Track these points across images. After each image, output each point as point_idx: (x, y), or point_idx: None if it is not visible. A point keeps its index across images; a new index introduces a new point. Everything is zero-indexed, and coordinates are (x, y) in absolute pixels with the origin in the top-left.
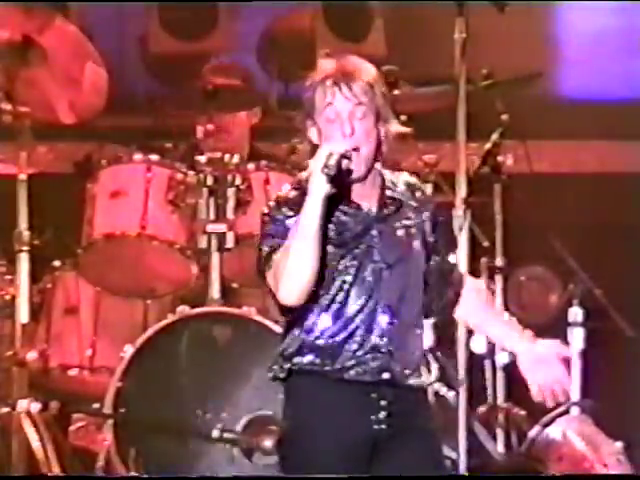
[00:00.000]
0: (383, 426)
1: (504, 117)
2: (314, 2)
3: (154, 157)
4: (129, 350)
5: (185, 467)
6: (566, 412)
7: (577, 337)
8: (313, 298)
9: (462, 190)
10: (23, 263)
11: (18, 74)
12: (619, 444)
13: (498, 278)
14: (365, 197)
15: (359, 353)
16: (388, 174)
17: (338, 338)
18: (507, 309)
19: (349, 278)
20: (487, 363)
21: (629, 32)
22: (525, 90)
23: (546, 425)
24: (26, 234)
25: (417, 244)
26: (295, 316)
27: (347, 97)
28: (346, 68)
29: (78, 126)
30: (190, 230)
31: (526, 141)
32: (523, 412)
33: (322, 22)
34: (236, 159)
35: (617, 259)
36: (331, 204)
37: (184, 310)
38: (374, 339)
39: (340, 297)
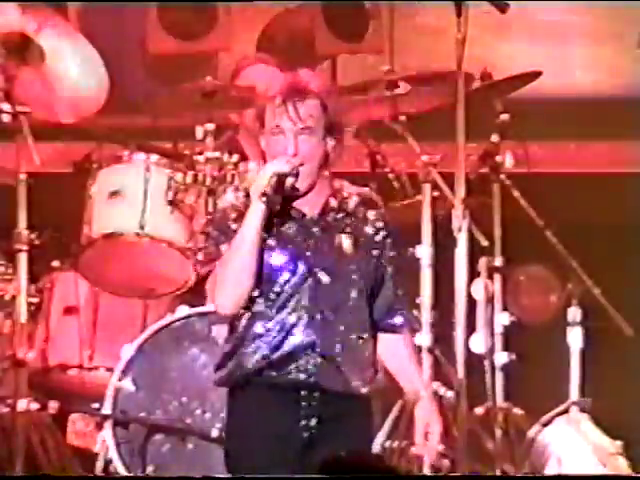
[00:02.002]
0: (313, 431)
1: (504, 117)
2: (313, 2)
3: (153, 157)
4: (128, 350)
5: (185, 467)
6: (565, 411)
7: (576, 336)
8: (252, 303)
9: (461, 190)
10: (22, 263)
11: (17, 74)
12: (619, 443)
13: (497, 278)
14: (308, 203)
15: (293, 359)
16: (345, 184)
17: (274, 343)
18: (506, 309)
19: (287, 283)
20: (486, 363)
21: (628, 31)
22: (525, 90)
23: (545, 425)
24: (25, 234)
25: (358, 251)
26: (235, 321)
27: (294, 119)
28: (297, 86)
29: (78, 126)
30: (189, 230)
31: (525, 141)
32: (522, 412)
33: (321, 22)
34: (235, 158)
35: (616, 259)
36: (274, 211)
37: (184, 310)
38: (309, 344)
39: (278, 302)
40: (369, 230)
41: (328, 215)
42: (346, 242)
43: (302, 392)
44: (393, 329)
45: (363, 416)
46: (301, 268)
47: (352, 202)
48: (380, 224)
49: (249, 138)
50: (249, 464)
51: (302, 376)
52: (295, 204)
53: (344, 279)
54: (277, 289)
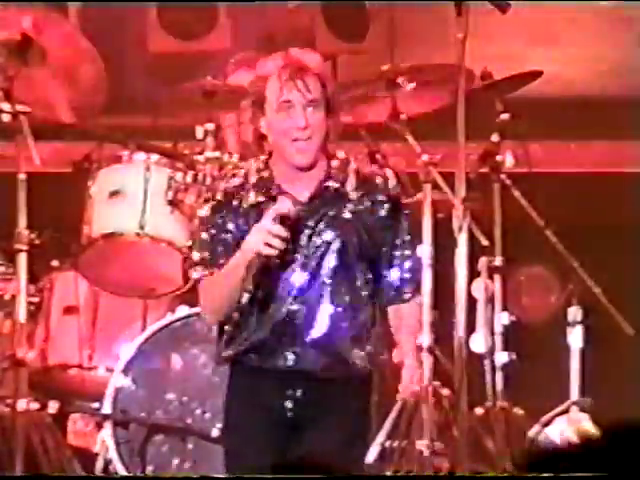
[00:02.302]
0: (297, 412)
1: (504, 117)
2: (313, 2)
3: (153, 157)
4: (128, 350)
5: (185, 467)
6: (565, 411)
7: (576, 336)
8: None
9: (461, 190)
10: (22, 263)
11: (17, 73)
12: None
13: (497, 278)
14: (301, 185)
15: (279, 343)
16: (349, 162)
17: (259, 330)
18: (506, 309)
19: (275, 271)
20: (486, 362)
21: (628, 30)
22: (525, 90)
23: (545, 424)
24: (25, 234)
25: (352, 235)
26: None
27: (302, 91)
28: (298, 61)
29: (78, 126)
30: (189, 230)
31: (525, 141)
32: (522, 411)
33: (321, 22)
34: (235, 158)
35: (617, 259)
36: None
37: (184, 310)
38: (292, 330)
39: (263, 290)
40: (364, 211)
41: (320, 198)
42: (336, 228)
43: (286, 375)
44: (402, 301)
45: (355, 399)
46: (288, 255)
47: (349, 183)
48: (379, 204)
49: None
50: (237, 442)
51: (288, 361)
52: (287, 187)
53: (332, 264)
54: (262, 278)
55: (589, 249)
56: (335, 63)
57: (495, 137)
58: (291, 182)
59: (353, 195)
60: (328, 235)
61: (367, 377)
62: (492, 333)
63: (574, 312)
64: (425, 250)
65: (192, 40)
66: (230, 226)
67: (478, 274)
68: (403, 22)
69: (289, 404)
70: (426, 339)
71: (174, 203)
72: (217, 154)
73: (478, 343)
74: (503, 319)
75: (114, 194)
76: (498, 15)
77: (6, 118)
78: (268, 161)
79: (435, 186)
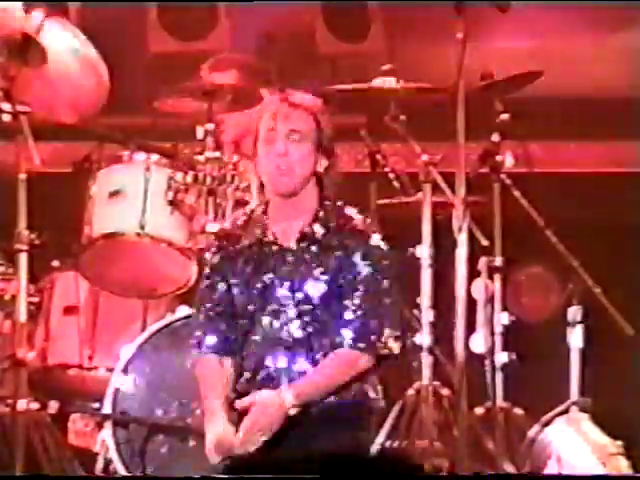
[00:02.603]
0: (282, 447)
1: (504, 117)
2: (314, 2)
3: (153, 157)
4: (128, 350)
5: (185, 467)
6: (565, 411)
7: (576, 336)
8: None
9: (461, 190)
10: (22, 263)
11: (17, 73)
12: (619, 443)
13: (497, 278)
14: (285, 230)
15: (268, 383)
16: (333, 209)
17: (250, 369)
18: (506, 309)
19: (258, 314)
20: (486, 362)
21: (629, 30)
22: (525, 90)
23: (545, 424)
24: (25, 234)
25: (328, 287)
26: None
27: (284, 122)
28: (289, 99)
29: (78, 126)
30: (189, 230)
31: (525, 141)
32: (522, 412)
33: (321, 22)
34: (235, 158)
35: (617, 259)
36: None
37: (184, 310)
38: (276, 381)
39: (247, 333)
40: (345, 264)
41: (305, 244)
42: (316, 278)
43: None
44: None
45: (347, 429)
46: (267, 303)
47: (334, 232)
48: (360, 259)
49: None
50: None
51: None
52: (273, 227)
53: (309, 311)
54: (244, 321)
55: (589, 249)
56: (335, 63)
57: (495, 137)
58: (282, 227)
59: (335, 243)
60: (310, 287)
61: (362, 412)
62: (492, 333)
63: (574, 312)
64: (425, 250)
65: (192, 40)
66: (226, 270)
67: (478, 274)
68: (404, 22)
69: (272, 440)
70: (426, 339)
71: (174, 203)
72: (217, 154)
73: (478, 343)
74: (503, 319)
75: (114, 194)
76: (498, 15)
77: (6, 118)
78: (267, 205)
79: (435, 186)
